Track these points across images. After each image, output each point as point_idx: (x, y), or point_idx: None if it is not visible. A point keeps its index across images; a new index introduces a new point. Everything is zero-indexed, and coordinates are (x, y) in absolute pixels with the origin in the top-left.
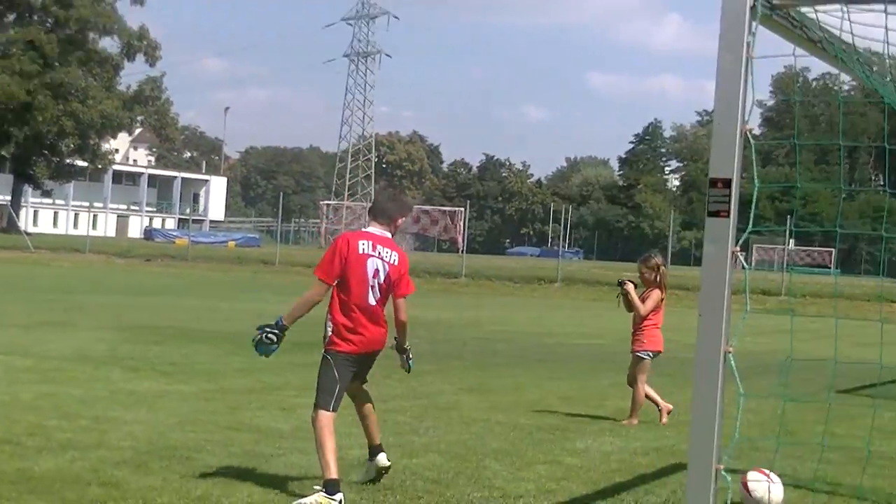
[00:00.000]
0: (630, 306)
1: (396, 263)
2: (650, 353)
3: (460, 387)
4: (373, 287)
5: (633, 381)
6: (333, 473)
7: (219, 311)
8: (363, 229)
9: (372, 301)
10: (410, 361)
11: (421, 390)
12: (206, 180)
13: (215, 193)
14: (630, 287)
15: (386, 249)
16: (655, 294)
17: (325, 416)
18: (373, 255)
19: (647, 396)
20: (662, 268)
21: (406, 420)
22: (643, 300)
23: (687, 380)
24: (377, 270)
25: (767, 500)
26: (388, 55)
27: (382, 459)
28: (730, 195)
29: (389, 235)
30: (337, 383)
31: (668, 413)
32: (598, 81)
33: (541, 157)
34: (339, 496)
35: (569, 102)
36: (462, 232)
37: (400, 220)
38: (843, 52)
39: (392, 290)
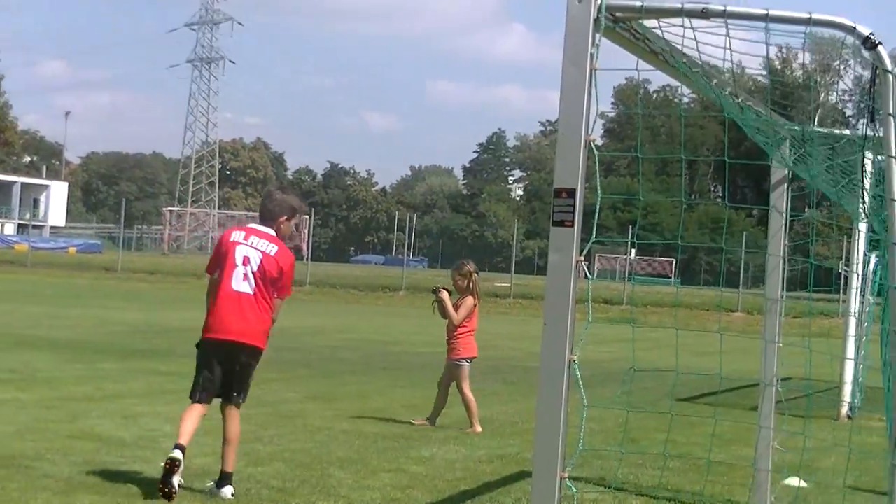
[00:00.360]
0: (445, 314)
1: (273, 254)
2: (467, 360)
3: (305, 395)
4: (244, 275)
5: (443, 385)
6: (181, 440)
7: (60, 317)
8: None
9: (238, 287)
10: None
11: (265, 398)
12: (47, 185)
13: (56, 199)
14: (444, 295)
15: (262, 241)
16: (469, 301)
17: (189, 407)
18: (243, 244)
19: (439, 398)
20: (475, 275)
21: (250, 428)
22: (457, 307)
23: (531, 388)
24: (247, 258)
25: None
26: (231, 61)
27: (227, 493)
28: (574, 205)
29: (272, 232)
30: (200, 375)
31: (426, 424)
32: (441, 90)
33: (385, 166)
34: (176, 452)
35: (413, 111)
36: (306, 240)
37: (283, 219)
38: (684, 65)
39: (274, 286)
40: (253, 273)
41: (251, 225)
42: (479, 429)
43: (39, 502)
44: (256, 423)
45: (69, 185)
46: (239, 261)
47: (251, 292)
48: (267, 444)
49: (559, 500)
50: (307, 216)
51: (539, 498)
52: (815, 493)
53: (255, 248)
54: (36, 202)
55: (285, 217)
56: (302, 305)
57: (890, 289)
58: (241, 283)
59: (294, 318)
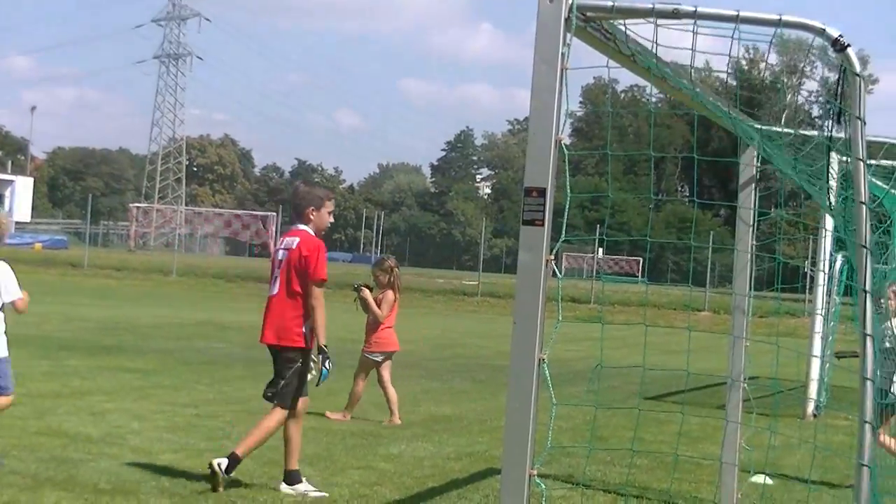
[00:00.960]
0: (367, 310)
1: (295, 247)
2: (382, 355)
3: None
4: (275, 277)
5: (358, 378)
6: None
7: (26, 313)
8: None
9: (271, 291)
10: (325, 369)
11: (234, 395)
12: (12, 181)
13: (21, 194)
14: (366, 293)
15: (291, 238)
16: (389, 295)
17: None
18: (280, 248)
19: (357, 392)
20: (396, 270)
21: (219, 425)
22: (378, 303)
23: (499, 386)
24: (280, 260)
25: None
26: (199, 58)
27: (283, 488)
28: (544, 204)
29: (304, 227)
30: None
31: (343, 417)
32: (411, 88)
33: (353, 163)
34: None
35: (382, 109)
36: (274, 237)
37: (310, 210)
38: (654, 64)
39: (306, 276)
40: (280, 271)
41: (293, 227)
42: (398, 420)
43: (5, 498)
44: (224, 420)
45: (34, 181)
46: (275, 265)
47: (277, 292)
48: (235, 440)
49: (528, 497)
50: (275, 213)
51: (508, 495)
52: (781, 490)
53: (284, 248)
54: (0, 198)
55: (312, 207)
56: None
57: (859, 291)
58: (272, 286)
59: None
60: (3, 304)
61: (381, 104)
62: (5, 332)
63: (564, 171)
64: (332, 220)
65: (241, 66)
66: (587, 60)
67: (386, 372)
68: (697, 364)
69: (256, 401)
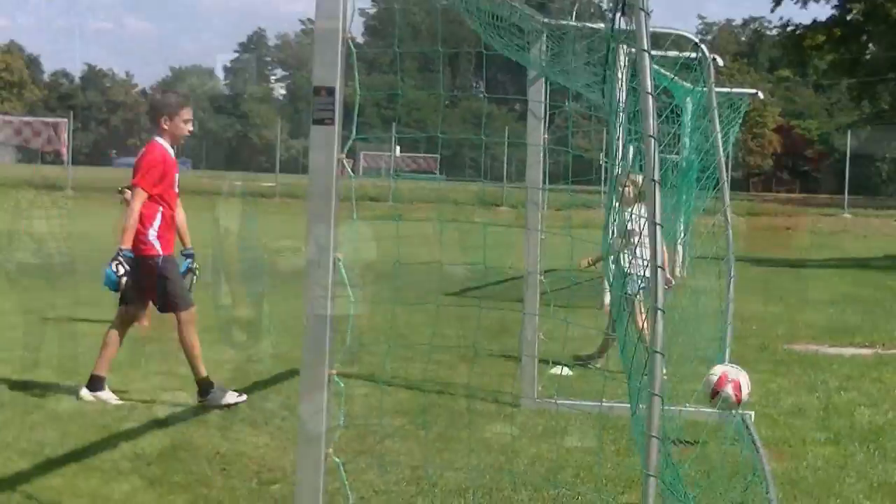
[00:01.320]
0: None
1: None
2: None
3: (74, 301)
4: None
5: None
6: None
7: None
8: None
9: None
10: (109, 270)
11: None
12: None
13: None
14: (128, 194)
15: None
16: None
17: None
18: None
19: None
20: None
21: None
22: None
23: (301, 287)
24: None
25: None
26: None
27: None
28: (334, 102)
29: (157, 138)
30: None
31: None
32: None
33: (144, 68)
34: None
35: (169, 12)
36: (68, 144)
37: (163, 119)
38: None
39: None
40: None
41: None
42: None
43: None
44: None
45: None
46: None
47: None
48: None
49: (328, 396)
50: (66, 120)
51: (307, 396)
52: (580, 380)
53: None
54: None
55: (165, 116)
56: (65, 210)
57: (647, 180)
58: None
59: (58, 224)
60: None
61: (168, 7)
62: None
63: (354, 69)
64: (191, 128)
65: None
66: None
67: None
68: (496, 259)
69: (55, 309)
